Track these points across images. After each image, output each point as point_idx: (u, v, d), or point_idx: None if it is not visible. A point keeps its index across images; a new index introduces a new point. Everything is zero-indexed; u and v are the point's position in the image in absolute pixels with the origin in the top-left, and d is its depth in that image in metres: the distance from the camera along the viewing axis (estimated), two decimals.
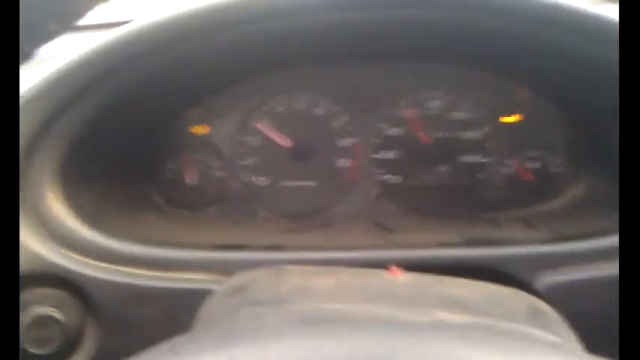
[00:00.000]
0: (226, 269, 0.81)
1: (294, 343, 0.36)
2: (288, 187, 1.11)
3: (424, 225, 1.02)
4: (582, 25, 0.78)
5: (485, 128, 1.09)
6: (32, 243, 0.79)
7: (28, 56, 0.46)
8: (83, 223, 0.82)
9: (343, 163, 1.11)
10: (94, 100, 0.82)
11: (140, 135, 1.01)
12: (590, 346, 0.53)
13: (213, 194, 1.10)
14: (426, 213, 1.08)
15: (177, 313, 0.78)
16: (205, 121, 1.10)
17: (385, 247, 0.88)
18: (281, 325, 0.42)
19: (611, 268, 0.79)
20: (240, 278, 0.75)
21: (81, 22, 0.80)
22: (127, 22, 0.80)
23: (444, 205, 1.09)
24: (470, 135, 1.09)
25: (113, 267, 0.81)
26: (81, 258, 0.80)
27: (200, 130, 1.10)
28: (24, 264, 0.78)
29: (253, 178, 1.11)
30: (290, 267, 0.75)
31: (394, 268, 0.72)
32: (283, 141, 1.10)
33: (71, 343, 0.80)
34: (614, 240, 0.81)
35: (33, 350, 0.78)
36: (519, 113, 1.08)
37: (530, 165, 1.08)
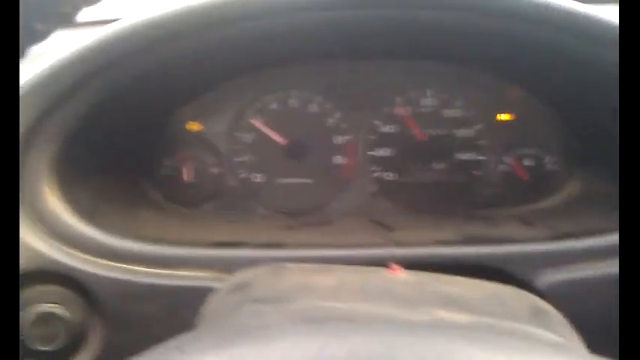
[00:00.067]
0: (225, 267, 0.81)
1: (297, 342, 0.37)
2: (285, 184, 1.11)
3: (421, 222, 1.02)
4: (577, 25, 0.79)
5: (478, 126, 1.09)
6: (30, 239, 0.78)
7: (22, 55, 0.45)
8: (80, 219, 0.82)
9: (338, 160, 1.11)
10: (88, 96, 0.81)
11: (135, 131, 1.01)
12: (592, 345, 0.54)
13: (210, 191, 1.10)
14: (422, 210, 1.09)
15: (178, 311, 0.78)
16: (200, 117, 1.10)
17: (383, 244, 0.88)
18: (284, 324, 0.42)
19: (611, 267, 0.80)
20: (241, 276, 0.75)
21: (73, 20, 0.79)
22: (120, 20, 0.80)
23: (439, 203, 1.10)
24: (463, 132, 1.10)
25: (112, 264, 0.81)
26: (80, 254, 0.80)
27: (195, 126, 1.10)
28: (23, 261, 0.78)
29: (249, 175, 1.11)
30: (290, 265, 0.76)
31: (394, 265, 0.72)
32: (278, 138, 1.10)
33: (76, 340, 0.80)
34: (612, 238, 0.82)
35: (38, 347, 0.78)
36: (513, 111, 1.09)
37: (525, 163, 1.09)
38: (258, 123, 1.10)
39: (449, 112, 1.09)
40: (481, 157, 1.10)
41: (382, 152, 1.11)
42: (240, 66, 1.04)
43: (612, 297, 0.60)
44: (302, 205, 1.11)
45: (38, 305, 0.79)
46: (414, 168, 1.11)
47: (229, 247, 0.87)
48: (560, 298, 0.75)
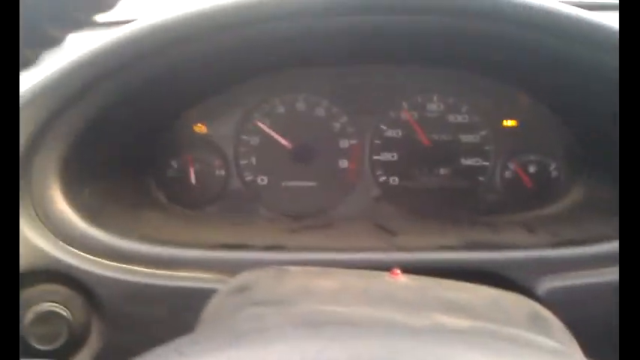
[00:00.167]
0: (228, 269, 0.82)
1: (297, 346, 0.37)
2: (290, 187, 1.11)
3: (424, 227, 1.02)
4: (581, 32, 0.79)
5: (484, 131, 1.09)
6: (36, 239, 0.79)
7: (33, 62, 0.46)
8: (85, 219, 0.83)
9: (344, 164, 1.12)
10: (97, 98, 0.82)
11: (143, 133, 1.01)
12: (591, 352, 0.54)
13: (215, 193, 1.10)
14: (426, 215, 1.09)
15: (180, 312, 0.79)
16: (207, 120, 1.10)
17: (386, 249, 0.89)
18: (283, 327, 0.43)
19: (612, 274, 0.80)
20: (242, 278, 0.75)
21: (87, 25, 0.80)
22: (130, 22, 0.81)
23: (443, 208, 1.10)
24: (469, 138, 1.10)
25: (116, 264, 0.81)
26: (84, 255, 0.81)
27: (202, 129, 1.10)
28: (28, 260, 0.79)
29: (255, 178, 1.11)
30: (292, 268, 0.76)
31: (396, 270, 0.72)
32: (284, 141, 1.10)
33: (77, 340, 0.81)
34: (614, 245, 0.82)
35: (39, 346, 0.79)
36: (517, 117, 1.09)
37: (530, 169, 1.08)
38: (264, 126, 1.10)
39: (455, 118, 1.09)
40: (486, 163, 1.10)
41: (387, 157, 1.11)
42: (248, 69, 1.04)
43: (612, 304, 0.60)
44: (306, 208, 1.11)
45: (40, 304, 0.80)
46: (419, 173, 1.11)
47: (232, 250, 0.88)
48: (560, 304, 0.76)
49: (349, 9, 0.81)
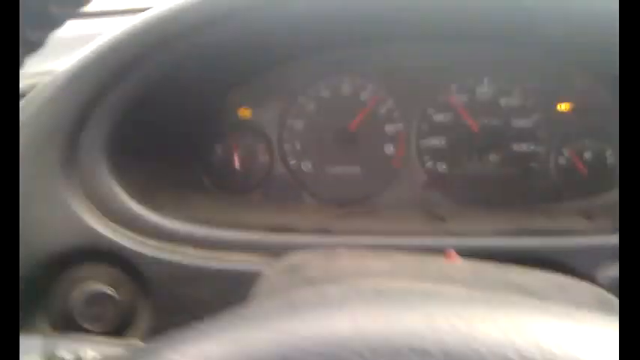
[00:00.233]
0: (274, 251, 0.80)
1: (367, 311, 0.35)
2: (333, 173, 1.09)
3: (475, 214, 0.99)
4: None
5: (537, 116, 1.05)
6: (84, 217, 0.79)
7: (39, 44, 0.45)
8: (133, 199, 0.82)
9: (389, 149, 1.09)
10: (141, 76, 0.81)
11: (188, 115, 1.00)
12: None
13: (259, 178, 1.09)
14: (476, 202, 1.06)
15: (225, 294, 0.77)
16: (251, 104, 1.09)
17: (437, 233, 0.86)
18: (350, 295, 0.40)
19: None
20: (291, 259, 0.73)
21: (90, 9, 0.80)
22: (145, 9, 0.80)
23: (493, 195, 1.06)
24: (521, 122, 1.06)
25: (163, 245, 0.80)
26: (132, 234, 0.80)
27: (246, 113, 1.09)
28: (76, 239, 0.78)
29: (298, 163, 1.09)
30: (342, 250, 0.74)
31: (452, 253, 0.69)
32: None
33: (124, 321, 0.80)
34: None
35: (86, 326, 0.78)
36: (573, 101, 1.05)
37: (585, 155, 1.04)
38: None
39: (506, 101, 1.05)
40: (539, 149, 1.05)
41: (435, 142, 1.08)
42: (293, 50, 1.02)
43: None
44: (351, 194, 1.09)
45: (87, 284, 0.80)
46: (468, 159, 1.07)
47: (279, 232, 0.86)
48: None
49: None
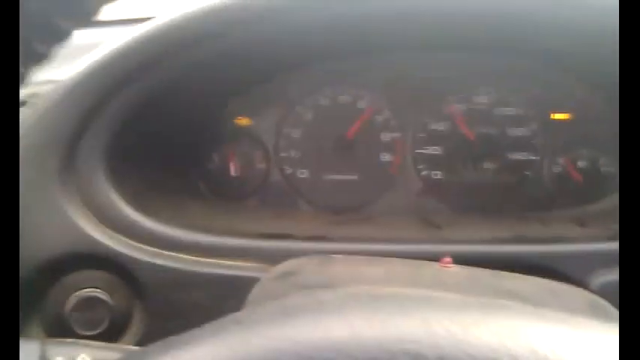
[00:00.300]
0: (270, 257, 0.81)
1: (362, 314, 0.35)
2: (330, 181, 1.10)
3: (470, 221, 0.99)
4: None
5: (533, 125, 1.06)
6: (81, 223, 0.79)
7: (46, 56, 0.45)
8: (131, 206, 0.82)
9: (386, 157, 1.09)
10: (140, 86, 0.81)
11: (186, 124, 1.01)
12: None
13: (255, 186, 1.09)
14: (471, 210, 1.06)
15: (221, 300, 0.78)
16: (249, 112, 1.10)
17: (432, 241, 0.86)
18: (344, 300, 0.41)
19: None
20: (286, 265, 0.74)
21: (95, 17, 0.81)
22: (148, 19, 0.80)
23: (489, 203, 1.07)
24: (517, 131, 1.06)
25: (159, 251, 0.81)
26: (128, 241, 0.81)
27: (244, 121, 1.10)
28: (73, 245, 0.79)
29: (294, 171, 1.10)
30: (336, 256, 0.74)
31: (446, 259, 0.70)
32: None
33: (119, 326, 0.80)
34: None
35: (81, 331, 0.78)
36: (568, 110, 1.06)
37: (579, 164, 1.05)
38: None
39: (503, 110, 1.06)
40: (534, 158, 1.06)
41: (431, 150, 1.08)
42: (292, 60, 1.03)
43: None
44: (347, 202, 1.09)
45: (83, 290, 0.80)
46: (464, 167, 1.08)
47: (274, 239, 0.86)
48: (615, 298, 0.72)
49: None
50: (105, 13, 0.48)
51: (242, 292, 0.72)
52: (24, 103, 0.83)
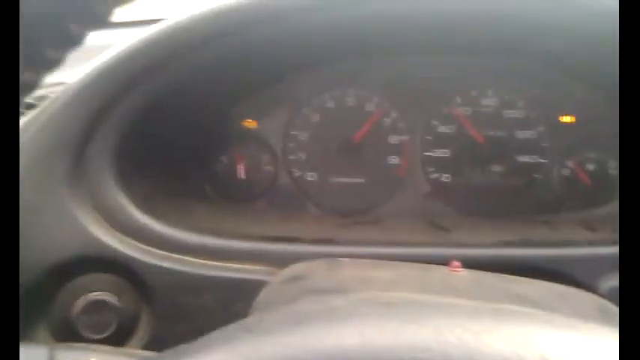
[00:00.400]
0: (277, 261, 0.81)
1: (373, 322, 0.35)
2: (338, 184, 1.10)
3: (478, 225, 0.99)
4: None
5: (540, 127, 1.06)
6: (90, 227, 0.79)
7: (58, 62, 0.45)
8: (140, 209, 0.83)
9: (393, 160, 1.09)
10: (148, 89, 0.82)
11: (193, 127, 1.01)
12: None
13: (263, 188, 1.10)
14: (479, 213, 1.06)
15: (228, 302, 0.78)
16: (256, 115, 1.10)
17: (440, 244, 0.86)
18: (354, 307, 0.41)
19: None
20: (294, 268, 0.73)
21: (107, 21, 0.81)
22: (158, 20, 0.80)
23: (497, 206, 1.07)
24: (525, 134, 1.06)
25: (167, 254, 0.81)
26: (137, 244, 0.81)
27: (251, 124, 1.10)
28: (81, 248, 0.79)
29: (302, 174, 1.10)
30: (345, 259, 0.74)
31: (455, 263, 0.70)
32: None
33: (126, 329, 0.80)
34: None
35: (89, 335, 0.78)
36: (576, 113, 1.05)
37: (587, 167, 1.04)
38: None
39: (510, 113, 1.06)
40: (543, 160, 1.06)
41: (439, 153, 1.08)
42: (298, 62, 1.03)
43: None
44: (355, 205, 1.09)
45: (91, 293, 0.80)
46: (472, 170, 1.08)
47: (282, 242, 0.86)
48: None
49: None
50: (115, 15, 0.48)
51: (249, 295, 0.72)
52: (33, 105, 0.83)
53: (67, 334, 0.79)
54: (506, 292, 0.60)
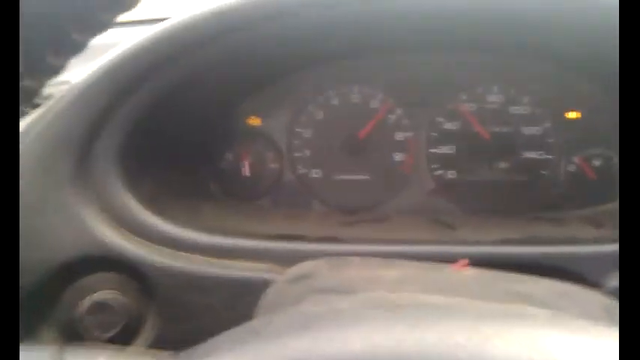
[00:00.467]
0: (282, 259, 0.80)
1: (381, 326, 0.35)
2: (343, 181, 1.10)
3: (484, 222, 0.99)
4: None
5: (546, 124, 1.05)
6: (96, 226, 0.79)
7: (82, 46, 0.46)
8: (146, 208, 0.82)
9: (398, 157, 1.09)
10: (153, 87, 0.81)
11: (198, 124, 1.01)
12: None
13: (268, 186, 1.10)
14: (485, 210, 1.06)
15: (234, 301, 0.78)
16: (261, 112, 1.10)
17: (446, 242, 0.86)
18: (361, 309, 0.40)
19: None
20: (300, 267, 0.73)
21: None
22: (166, 18, 0.80)
23: (502, 203, 1.06)
24: (531, 130, 1.06)
25: (173, 252, 0.81)
26: (142, 242, 0.81)
27: (256, 121, 1.10)
28: (87, 247, 0.79)
29: (307, 171, 1.10)
30: (351, 258, 0.74)
31: (461, 261, 0.70)
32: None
33: (132, 328, 0.80)
34: None
35: (95, 334, 0.78)
36: (581, 109, 1.05)
37: (594, 163, 1.04)
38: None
39: (516, 109, 1.06)
40: (548, 156, 1.05)
41: (444, 150, 1.08)
42: (303, 59, 1.03)
43: None
44: (360, 202, 1.09)
45: (97, 293, 0.80)
46: (477, 166, 1.07)
47: (287, 240, 0.86)
48: None
49: None
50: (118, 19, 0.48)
51: (254, 294, 0.72)
52: (38, 105, 0.83)
53: (73, 334, 0.79)
54: (513, 292, 0.60)
